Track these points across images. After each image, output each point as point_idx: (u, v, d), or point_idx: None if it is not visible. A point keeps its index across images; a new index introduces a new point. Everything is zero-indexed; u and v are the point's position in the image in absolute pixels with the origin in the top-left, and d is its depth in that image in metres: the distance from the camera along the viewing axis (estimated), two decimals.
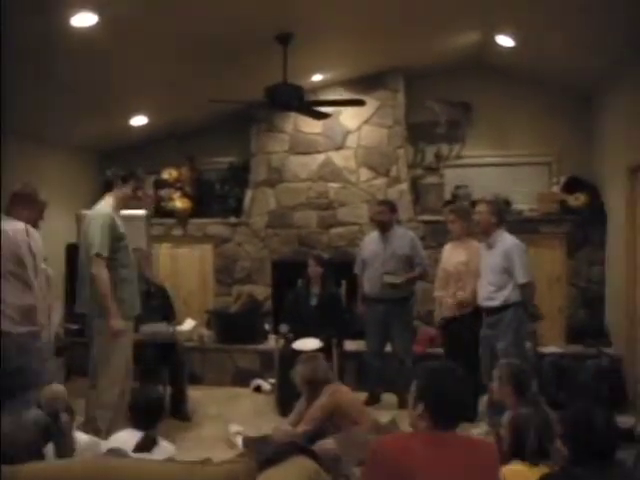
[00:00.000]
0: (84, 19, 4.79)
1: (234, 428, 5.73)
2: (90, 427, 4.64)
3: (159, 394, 3.98)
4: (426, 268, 6.75)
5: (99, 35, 5.05)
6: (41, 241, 4.63)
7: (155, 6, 4.96)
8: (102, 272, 4.85)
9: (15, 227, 4.47)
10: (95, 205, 5.20)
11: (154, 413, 3.79)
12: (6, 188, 5.50)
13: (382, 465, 2.56)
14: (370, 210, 7.75)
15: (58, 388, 3.93)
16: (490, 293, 5.74)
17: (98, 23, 4.86)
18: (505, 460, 3.22)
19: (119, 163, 5.64)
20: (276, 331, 7.22)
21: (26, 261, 4.45)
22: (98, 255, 4.86)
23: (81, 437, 3.83)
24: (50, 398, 3.80)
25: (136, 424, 3.72)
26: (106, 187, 5.24)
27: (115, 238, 4.97)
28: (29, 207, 4.65)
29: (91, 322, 5.04)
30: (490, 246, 5.83)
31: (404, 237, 6.72)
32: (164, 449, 3.63)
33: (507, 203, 7.63)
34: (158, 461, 2.85)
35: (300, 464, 2.71)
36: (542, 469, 3.08)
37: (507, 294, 5.65)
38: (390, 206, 6.79)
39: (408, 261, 6.64)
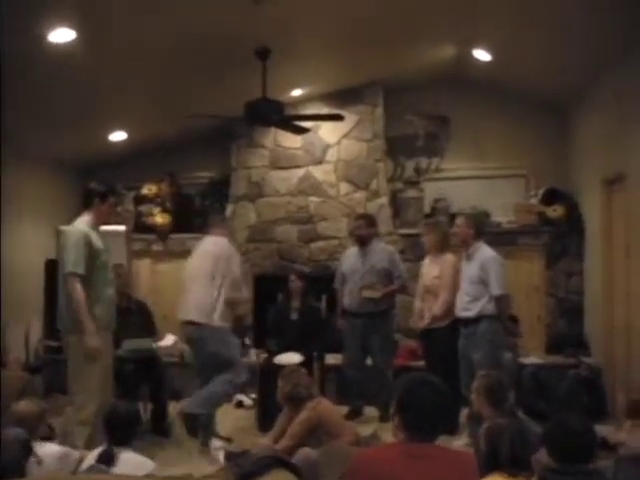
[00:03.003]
0: (62, 35, 4.80)
1: (216, 443, 5.70)
2: (67, 443, 4.62)
3: (134, 409, 3.95)
4: (405, 282, 6.72)
5: (77, 51, 5.08)
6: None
7: (134, 22, 4.99)
8: (76, 290, 4.82)
9: (224, 242, 5.84)
10: (73, 222, 5.18)
11: (129, 428, 3.77)
12: None
13: (362, 476, 2.58)
14: (350, 224, 7.79)
15: (32, 404, 3.97)
16: (466, 304, 5.80)
17: (76, 39, 4.87)
18: (482, 472, 3.24)
19: (99, 178, 5.63)
20: (257, 345, 7.21)
21: (233, 267, 5.68)
22: (72, 273, 4.84)
23: (53, 448, 3.82)
24: (25, 413, 3.83)
25: (111, 440, 3.70)
26: (85, 202, 5.20)
27: (91, 255, 4.94)
28: (224, 226, 6.13)
29: (67, 339, 5.02)
30: (469, 258, 5.90)
31: (383, 251, 6.69)
32: (143, 465, 3.61)
33: (486, 215, 7.68)
34: (139, 477, 2.84)
35: (281, 477, 2.72)
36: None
37: (482, 305, 5.71)
38: (368, 220, 6.77)
39: (387, 275, 6.59)
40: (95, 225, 5.10)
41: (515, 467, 3.17)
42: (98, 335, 4.89)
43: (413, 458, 2.58)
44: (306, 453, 4.13)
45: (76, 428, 4.85)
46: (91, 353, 4.83)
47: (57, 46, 4.92)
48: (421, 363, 6.71)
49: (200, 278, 5.68)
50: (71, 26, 4.72)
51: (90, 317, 4.84)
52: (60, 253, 5.05)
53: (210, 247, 5.82)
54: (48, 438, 4.34)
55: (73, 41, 4.90)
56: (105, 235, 5.26)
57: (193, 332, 5.68)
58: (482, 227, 6.10)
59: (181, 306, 5.77)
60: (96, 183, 5.28)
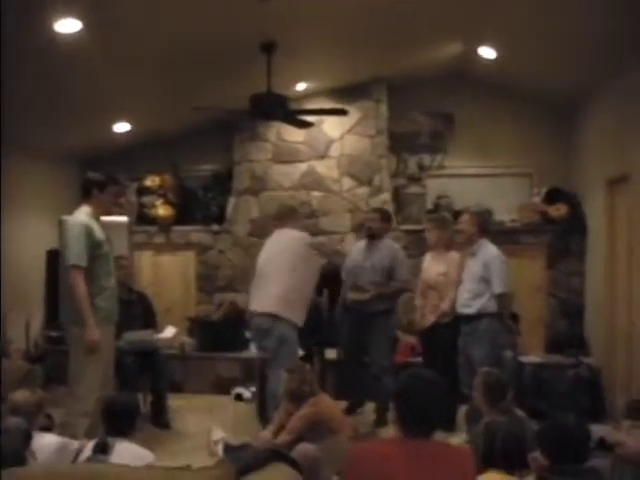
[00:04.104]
0: (68, 25, 4.79)
1: (216, 435, 5.69)
2: (67, 434, 4.63)
3: (132, 400, 3.95)
4: (406, 284, 6.47)
5: (83, 42, 5.05)
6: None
7: (139, 14, 4.98)
8: (79, 283, 4.82)
9: (295, 234, 6.04)
10: (73, 213, 5.16)
11: (127, 419, 3.76)
12: None
13: (359, 471, 2.59)
14: (353, 219, 7.77)
15: (30, 393, 3.99)
16: (467, 300, 5.80)
17: (82, 29, 4.86)
18: (479, 468, 3.25)
19: (102, 169, 5.61)
20: None
21: (305, 258, 5.92)
22: (74, 266, 4.84)
23: (52, 439, 3.83)
24: (22, 402, 3.84)
25: (109, 430, 3.70)
26: (84, 192, 5.18)
27: (92, 246, 4.93)
28: (295, 219, 6.27)
29: (69, 330, 5.04)
30: (472, 255, 5.90)
31: (389, 249, 6.43)
32: (141, 456, 3.61)
33: (489, 213, 7.66)
34: (138, 468, 2.85)
35: (279, 471, 2.73)
36: (519, 478, 3.10)
37: (483, 303, 5.70)
38: (384, 215, 6.58)
39: (388, 274, 6.34)
40: (95, 215, 5.08)
41: (510, 464, 3.19)
42: (100, 327, 4.91)
43: (411, 454, 2.60)
44: (305, 448, 4.13)
45: (78, 420, 4.86)
46: (90, 346, 4.84)
47: (62, 36, 4.90)
48: (421, 359, 6.69)
49: (279, 271, 5.81)
50: (77, 16, 4.70)
51: (91, 310, 4.86)
52: (62, 245, 5.04)
53: (289, 241, 5.97)
54: (47, 428, 4.36)
55: (79, 32, 4.88)
56: (107, 226, 5.24)
57: (266, 323, 5.76)
58: (487, 224, 6.08)
59: (256, 297, 5.92)
60: (94, 173, 5.26)
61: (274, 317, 5.71)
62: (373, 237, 6.47)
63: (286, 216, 6.21)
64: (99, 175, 5.21)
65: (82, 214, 5.03)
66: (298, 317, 5.83)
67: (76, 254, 4.85)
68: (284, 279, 5.76)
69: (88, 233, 4.92)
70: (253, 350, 7.45)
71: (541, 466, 3.02)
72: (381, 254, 6.41)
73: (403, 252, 6.63)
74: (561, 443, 2.95)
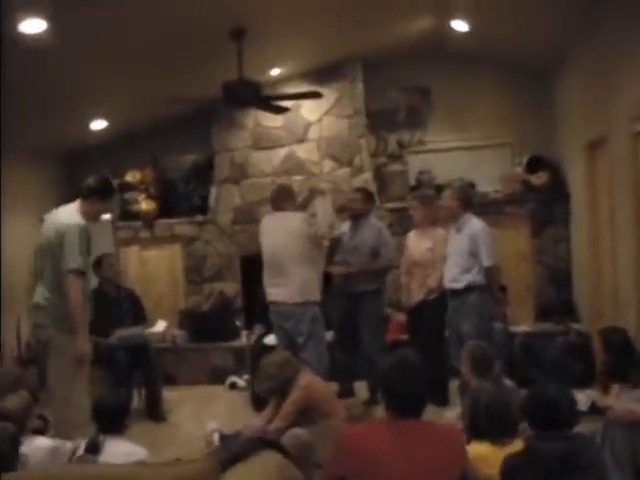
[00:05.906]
0: (33, 25, 4.74)
1: (212, 426, 5.69)
2: (63, 425, 4.58)
3: (122, 397, 3.95)
4: (391, 262, 6.43)
5: (50, 41, 5.00)
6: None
7: (105, 9, 4.92)
8: (78, 290, 4.63)
9: (296, 217, 5.83)
10: (60, 209, 4.96)
11: (117, 416, 3.76)
12: None
13: (345, 452, 2.60)
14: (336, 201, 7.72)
15: (18, 399, 3.97)
16: (455, 275, 5.80)
17: (48, 29, 4.82)
18: (467, 438, 3.28)
19: (81, 168, 5.52)
20: (248, 327, 7.21)
21: (311, 243, 5.73)
22: (74, 271, 4.61)
23: (44, 442, 3.83)
24: (11, 408, 3.83)
25: (101, 428, 3.70)
26: (77, 193, 5.00)
27: (86, 252, 4.78)
28: (294, 201, 6.08)
29: (54, 335, 4.80)
30: (458, 230, 5.90)
31: (372, 229, 6.40)
32: (133, 453, 3.61)
33: (471, 186, 7.65)
34: (119, 466, 2.85)
35: (267, 459, 2.72)
36: (509, 449, 3.11)
37: (472, 277, 5.72)
38: (366, 194, 6.54)
39: (372, 253, 6.32)
40: (85, 220, 4.86)
41: (495, 432, 3.20)
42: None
43: (395, 435, 2.61)
44: (296, 433, 4.13)
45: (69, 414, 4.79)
46: (81, 358, 4.74)
47: (29, 37, 4.86)
48: None
49: (295, 259, 5.68)
50: (41, 16, 4.66)
51: (85, 320, 4.76)
52: (56, 245, 4.70)
53: (294, 225, 5.75)
54: (41, 431, 4.34)
55: (45, 31, 4.84)
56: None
57: (296, 310, 5.70)
58: (469, 199, 6.05)
59: (277, 288, 5.78)
60: (97, 180, 5.02)
61: (302, 304, 5.71)
62: (357, 218, 6.44)
63: (284, 198, 6.01)
64: (103, 184, 4.98)
65: (76, 215, 4.79)
66: (318, 295, 5.84)
67: (76, 258, 4.62)
68: (302, 267, 5.69)
69: (88, 237, 4.75)
70: (244, 338, 7.49)
71: (529, 436, 3.03)
72: (365, 234, 6.38)
73: (387, 230, 6.62)
74: (543, 412, 2.96)
